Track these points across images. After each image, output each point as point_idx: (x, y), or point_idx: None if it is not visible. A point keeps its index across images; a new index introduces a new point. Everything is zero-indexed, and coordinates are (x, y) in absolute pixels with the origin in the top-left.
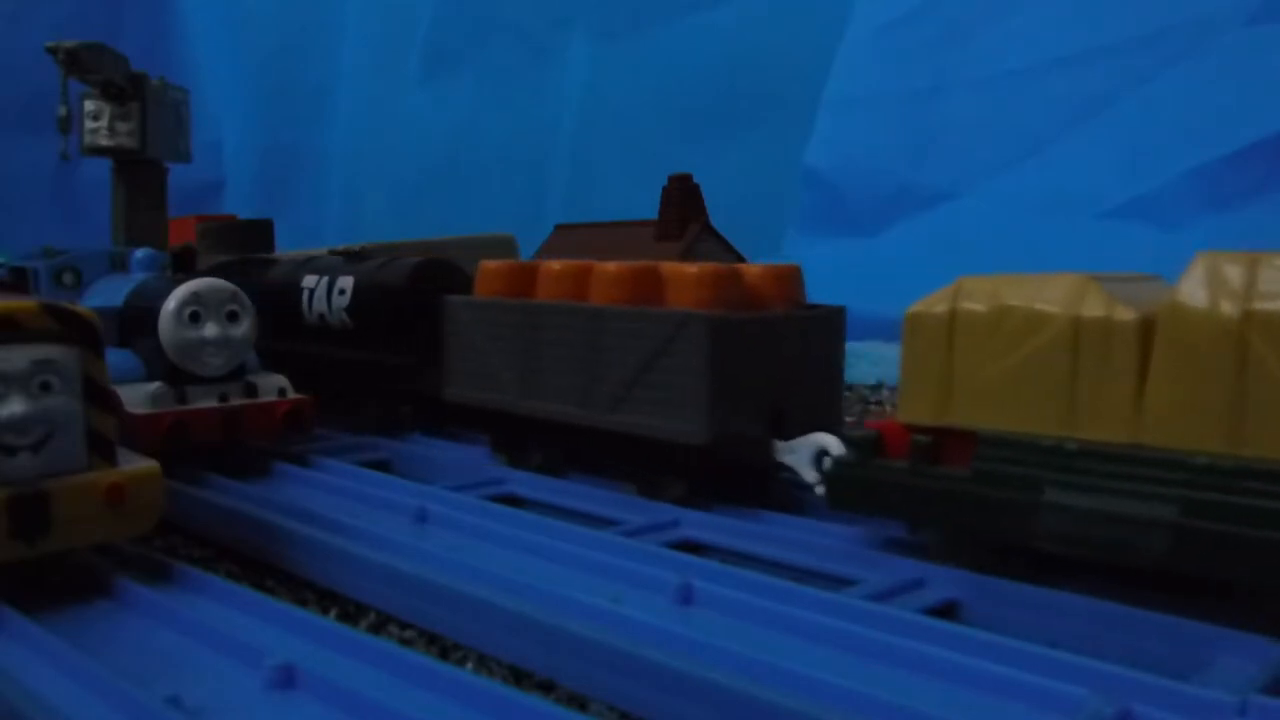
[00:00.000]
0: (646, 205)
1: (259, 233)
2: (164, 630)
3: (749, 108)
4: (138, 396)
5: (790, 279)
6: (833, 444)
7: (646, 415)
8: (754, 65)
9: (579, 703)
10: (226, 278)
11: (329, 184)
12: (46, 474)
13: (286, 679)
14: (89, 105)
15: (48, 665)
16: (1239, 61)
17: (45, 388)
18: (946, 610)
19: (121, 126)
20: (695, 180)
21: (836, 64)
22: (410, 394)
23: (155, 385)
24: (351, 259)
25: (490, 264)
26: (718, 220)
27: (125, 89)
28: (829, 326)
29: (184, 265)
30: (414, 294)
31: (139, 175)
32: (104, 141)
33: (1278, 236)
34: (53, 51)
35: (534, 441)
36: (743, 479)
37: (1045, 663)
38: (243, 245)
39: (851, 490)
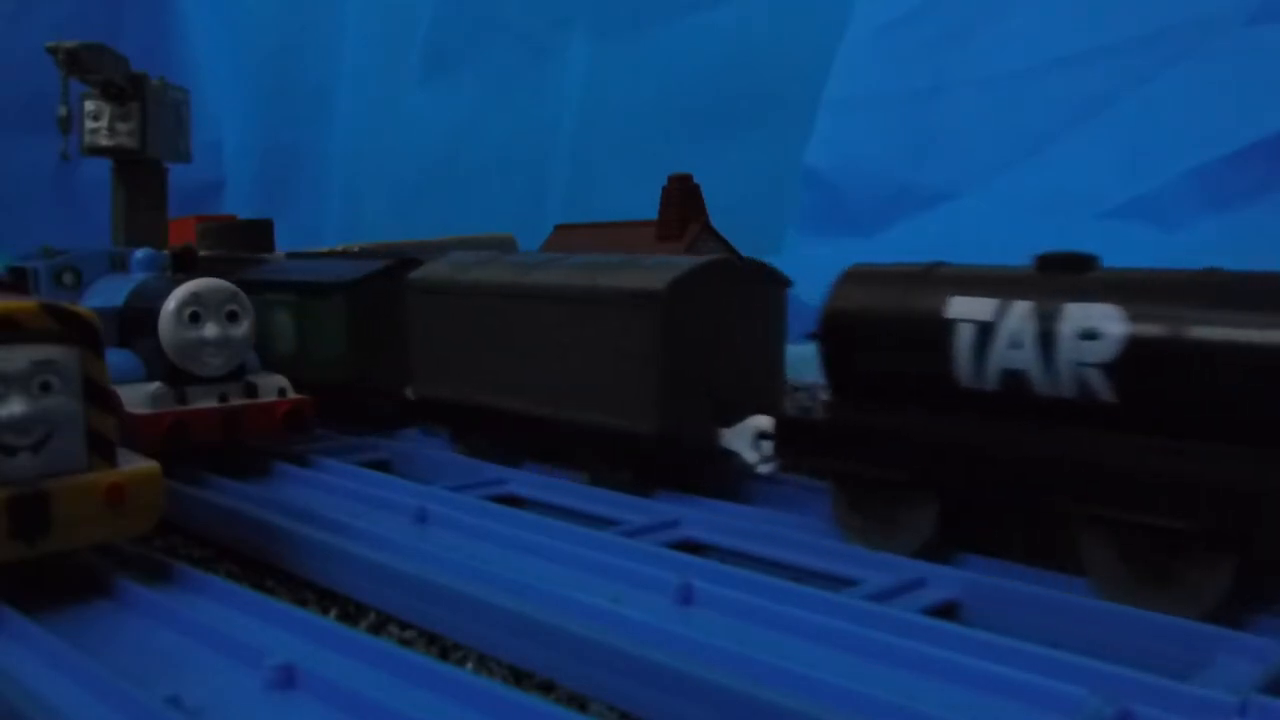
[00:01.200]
0: (646, 205)
1: (259, 233)
2: (164, 630)
3: (749, 108)
4: (138, 396)
5: None
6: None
7: None
8: (754, 65)
9: (579, 703)
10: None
11: (329, 184)
12: (46, 474)
13: (286, 679)
14: (89, 105)
15: (48, 665)
16: (1239, 61)
17: (45, 388)
18: (946, 610)
19: (121, 126)
20: (695, 180)
21: (836, 64)
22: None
23: (155, 385)
24: (1065, 266)
25: None
26: (718, 220)
27: (125, 89)
28: None
29: (184, 265)
30: None
31: (139, 175)
32: (104, 141)
33: (1278, 236)
34: (53, 51)
35: None
36: None
37: (1045, 663)
38: (243, 245)
39: None
